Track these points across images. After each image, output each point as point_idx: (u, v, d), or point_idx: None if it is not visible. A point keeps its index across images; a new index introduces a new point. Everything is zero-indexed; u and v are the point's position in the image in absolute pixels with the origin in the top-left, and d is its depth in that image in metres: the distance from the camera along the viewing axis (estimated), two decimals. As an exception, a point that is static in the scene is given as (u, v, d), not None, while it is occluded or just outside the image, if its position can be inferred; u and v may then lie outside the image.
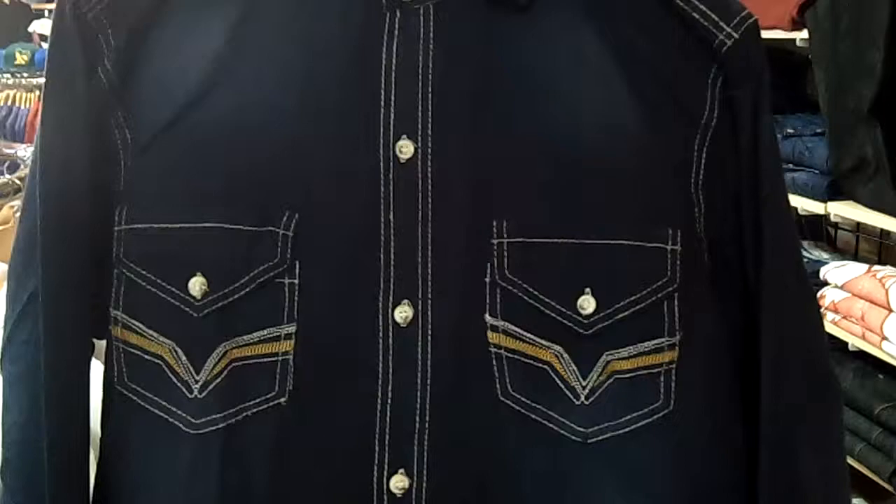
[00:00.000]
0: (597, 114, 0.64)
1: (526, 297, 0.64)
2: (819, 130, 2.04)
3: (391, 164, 0.64)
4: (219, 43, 0.65)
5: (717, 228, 0.66)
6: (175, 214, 0.64)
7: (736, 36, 0.64)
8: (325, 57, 0.65)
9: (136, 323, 0.65)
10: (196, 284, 0.64)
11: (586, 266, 0.64)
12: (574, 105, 0.64)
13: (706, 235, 0.66)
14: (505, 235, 0.64)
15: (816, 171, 2.04)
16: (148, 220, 0.65)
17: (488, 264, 0.64)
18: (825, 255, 2.17)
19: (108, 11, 0.65)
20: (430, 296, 0.64)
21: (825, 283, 2.01)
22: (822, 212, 2.03)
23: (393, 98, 0.64)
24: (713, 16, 0.64)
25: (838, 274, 1.99)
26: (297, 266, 0.64)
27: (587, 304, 0.63)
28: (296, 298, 0.64)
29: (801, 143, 2.06)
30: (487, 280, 0.64)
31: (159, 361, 0.65)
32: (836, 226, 2.34)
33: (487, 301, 0.64)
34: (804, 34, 2.03)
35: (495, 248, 0.64)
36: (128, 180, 0.66)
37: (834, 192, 2.01)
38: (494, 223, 0.64)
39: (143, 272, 0.65)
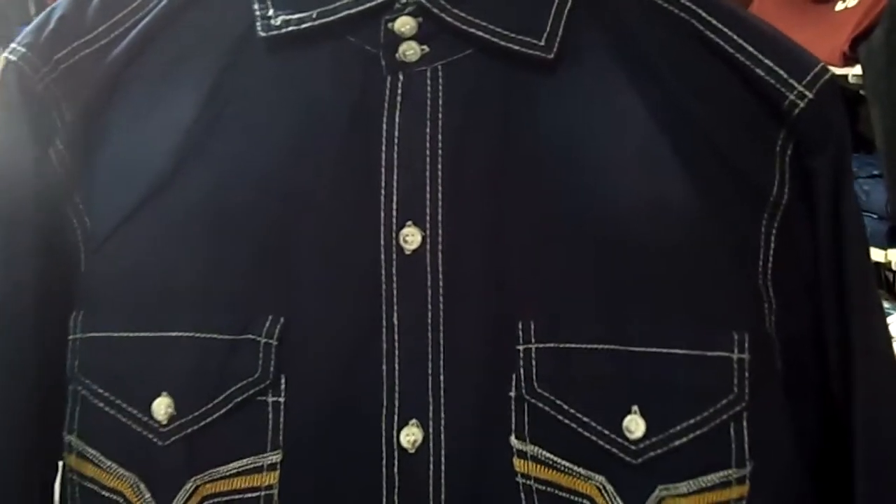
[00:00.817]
0: (640, 190, 0.53)
1: (560, 416, 0.52)
2: (876, 172, 1.90)
3: (394, 255, 0.54)
4: (190, 115, 0.55)
5: (790, 327, 0.54)
6: (137, 321, 0.54)
7: (810, 96, 0.53)
8: (315, 130, 0.54)
9: (93, 451, 0.55)
10: (161, 406, 0.53)
11: (633, 378, 0.52)
12: (612, 180, 0.53)
13: (778, 336, 0.54)
14: (533, 340, 0.53)
15: (875, 216, 1.89)
16: (107, 328, 0.54)
17: (513, 375, 0.53)
18: (886, 305, 2.02)
19: (61, 82, 0.55)
20: (442, 415, 0.53)
21: (888, 336, 1.87)
22: (882, 259, 1.89)
23: (395, 177, 0.54)
24: (780, 72, 0.53)
25: (902, 325, 1.84)
26: (283, 381, 0.53)
27: (635, 425, 0.52)
28: (281, 421, 0.53)
29: (858, 185, 1.92)
30: (513, 395, 0.53)
31: (119, 499, 0.54)
32: (896, 273, 2.19)
33: (513, 421, 0.53)
34: (857, 70, 1.90)
35: (521, 355, 0.53)
36: (86, 280, 0.56)
37: (895, 238, 1.87)
38: (520, 325, 0.53)
39: (100, 391, 0.54)
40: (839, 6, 1.88)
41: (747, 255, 0.54)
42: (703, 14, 0.54)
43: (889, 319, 1.98)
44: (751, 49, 0.53)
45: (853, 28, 1.78)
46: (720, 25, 0.54)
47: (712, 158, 0.53)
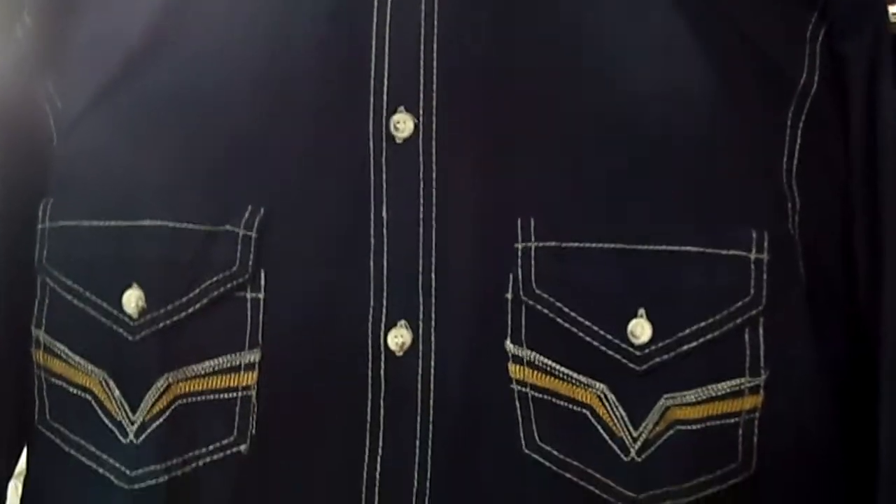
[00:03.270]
0: (654, 75, 0.48)
1: (559, 320, 0.48)
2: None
3: (384, 144, 0.49)
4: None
5: (816, 230, 0.49)
6: (107, 209, 0.50)
7: None
8: (298, 13, 0.50)
9: (61, 346, 0.51)
10: (132, 299, 0.49)
11: (640, 280, 0.48)
12: (625, 64, 0.48)
13: (801, 240, 0.49)
14: (532, 238, 0.49)
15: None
16: (76, 216, 0.51)
17: (510, 275, 0.49)
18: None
19: None
20: (433, 316, 0.49)
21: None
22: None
23: (386, 60, 0.49)
24: None
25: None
26: (262, 276, 0.49)
27: (640, 330, 0.47)
28: (260, 318, 0.49)
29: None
30: (509, 296, 0.49)
31: (88, 396, 0.51)
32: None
33: (509, 324, 0.49)
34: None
35: (520, 254, 0.49)
36: (56, 165, 0.52)
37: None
38: (519, 221, 0.49)
39: (69, 282, 0.51)
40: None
41: (770, 148, 0.49)
42: None
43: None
44: None
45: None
46: None
47: (735, 41, 0.48)
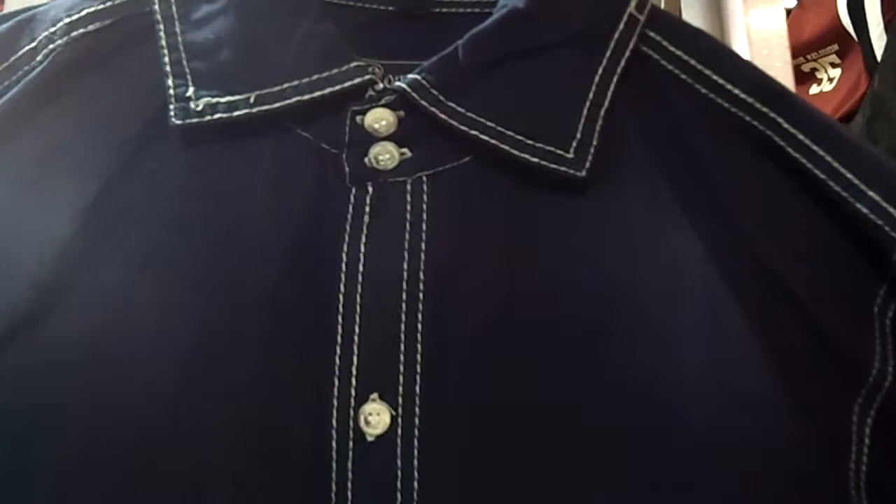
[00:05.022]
0: (697, 367, 0.38)
1: None
2: None
3: (350, 443, 0.38)
4: (66, 230, 0.39)
5: None
6: None
7: None
8: (241, 259, 0.39)
9: None
10: None
11: None
12: (659, 352, 0.38)
13: None
14: None
15: None
16: None
17: None
18: None
19: None
20: None
21: None
22: None
23: (357, 329, 0.38)
24: (890, 209, 0.39)
25: None
26: None
27: None
28: None
29: None
30: None
31: None
32: None
33: None
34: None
35: None
36: None
37: None
38: None
39: None
40: (814, 89, 1.79)
41: (836, 456, 0.39)
42: (784, 124, 0.40)
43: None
44: (849, 176, 0.39)
45: (831, 114, 1.69)
46: (807, 141, 0.40)
47: (793, 322, 0.39)
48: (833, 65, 1.63)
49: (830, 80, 1.66)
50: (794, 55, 1.41)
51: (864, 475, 0.39)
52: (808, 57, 1.65)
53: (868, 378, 0.39)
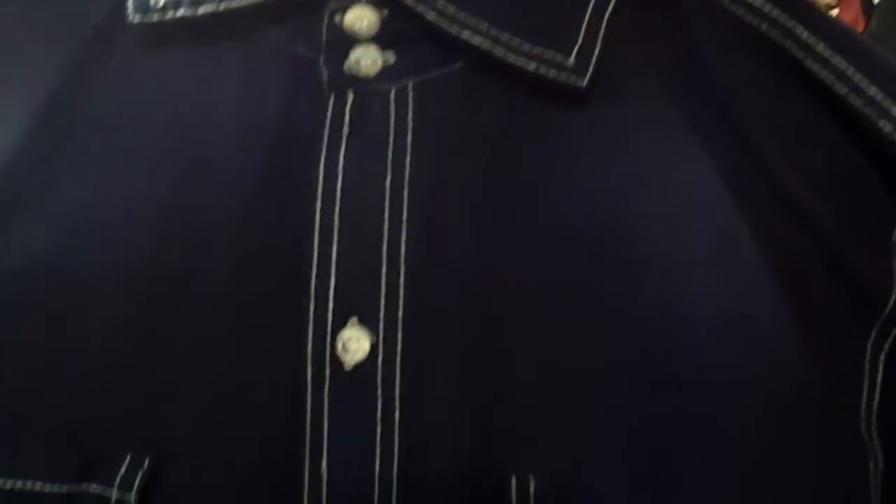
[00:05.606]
0: (706, 301, 0.35)
1: None
2: None
3: (327, 371, 0.35)
4: (16, 144, 0.36)
5: None
6: None
7: None
8: (207, 174, 0.36)
9: None
10: None
11: None
12: (664, 283, 0.35)
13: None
14: (531, 501, 0.35)
15: None
16: None
17: None
18: None
19: None
20: None
21: None
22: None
23: (334, 249, 0.35)
24: None
25: None
26: None
27: None
28: None
29: None
30: None
31: None
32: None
33: None
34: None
35: None
36: None
37: None
38: (514, 482, 0.35)
39: None
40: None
41: (847, 392, 0.37)
42: (804, 34, 0.37)
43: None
44: (873, 91, 0.36)
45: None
46: (827, 53, 0.37)
47: (809, 251, 0.36)
48: (830, 6, 1.61)
49: (827, 21, 1.64)
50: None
51: (876, 411, 0.37)
52: (806, -2, 1.62)
53: (884, 310, 0.37)
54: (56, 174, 0.36)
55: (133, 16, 0.36)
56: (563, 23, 0.36)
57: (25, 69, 0.36)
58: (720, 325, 0.35)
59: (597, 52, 0.36)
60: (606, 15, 0.36)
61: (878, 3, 1.45)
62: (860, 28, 1.52)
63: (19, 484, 0.34)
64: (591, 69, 0.36)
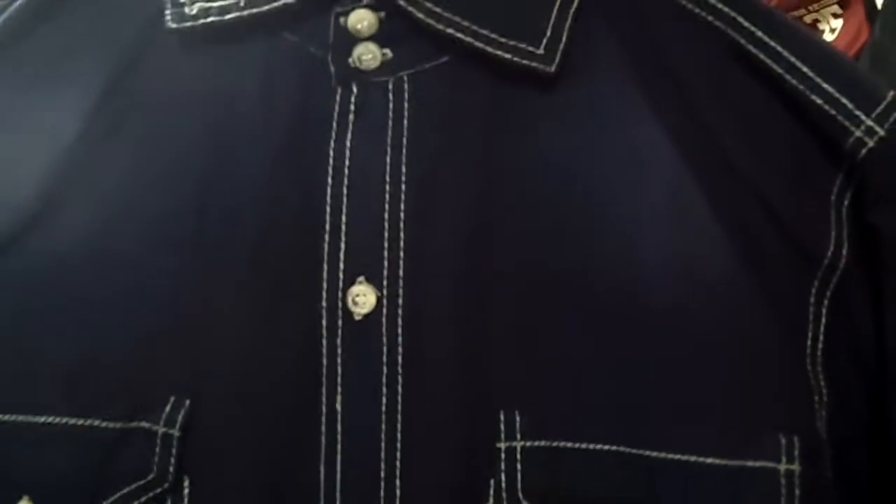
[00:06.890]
0: (662, 252, 0.41)
1: None
2: None
3: (339, 322, 0.41)
4: (71, 132, 0.43)
5: (844, 429, 0.42)
6: None
7: (880, 133, 0.41)
8: (236, 157, 0.42)
9: None
10: None
11: (648, 493, 0.40)
12: (627, 237, 0.41)
13: (830, 442, 0.42)
14: (518, 437, 0.40)
15: None
16: None
17: (491, 482, 0.40)
18: None
19: None
20: None
21: None
22: None
23: (344, 218, 0.41)
24: (844, 101, 0.41)
25: None
26: (186, 486, 0.40)
27: None
28: None
29: None
30: None
31: None
32: None
33: None
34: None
35: (503, 456, 0.40)
36: None
37: None
38: (502, 416, 0.40)
39: None
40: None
41: (794, 334, 0.42)
42: (743, 22, 0.42)
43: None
44: (805, 69, 0.42)
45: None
46: (765, 37, 0.42)
47: (754, 210, 0.42)
48: (835, 15, 1.64)
49: (832, 30, 1.67)
50: (796, 6, 1.43)
51: (820, 353, 0.42)
52: (810, 8, 1.65)
53: (824, 261, 0.42)
54: (105, 159, 0.42)
55: (171, 22, 0.42)
56: (533, 19, 0.42)
57: (88, 64, 0.43)
58: (670, 273, 0.40)
59: (563, 41, 0.42)
60: (571, 11, 0.42)
61: (881, 11, 1.49)
62: (864, 35, 1.56)
63: (80, 422, 0.40)
64: (558, 56, 0.42)
